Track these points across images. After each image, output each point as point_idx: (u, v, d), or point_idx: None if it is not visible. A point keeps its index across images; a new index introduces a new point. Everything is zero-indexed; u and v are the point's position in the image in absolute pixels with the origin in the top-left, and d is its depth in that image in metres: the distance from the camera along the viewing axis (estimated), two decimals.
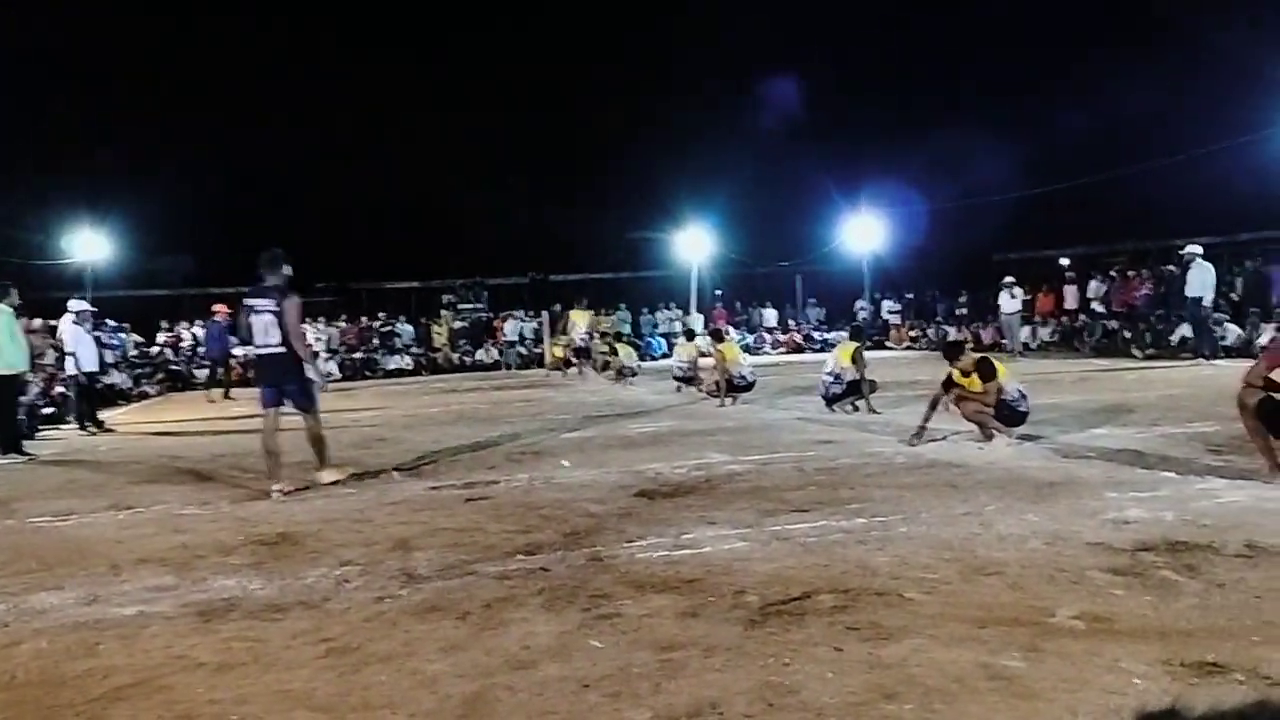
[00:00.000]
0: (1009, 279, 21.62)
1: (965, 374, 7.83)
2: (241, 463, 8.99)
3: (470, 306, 28.26)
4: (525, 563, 4.69)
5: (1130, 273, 21.67)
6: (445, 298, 28.37)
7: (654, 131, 32.09)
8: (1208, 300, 16.26)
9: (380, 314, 27.71)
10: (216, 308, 18.87)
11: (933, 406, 8.07)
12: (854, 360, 10.69)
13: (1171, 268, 20.16)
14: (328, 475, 7.35)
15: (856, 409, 10.66)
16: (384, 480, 7.55)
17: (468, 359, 26.66)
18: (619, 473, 7.29)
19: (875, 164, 28.11)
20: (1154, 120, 22.56)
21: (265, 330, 7.10)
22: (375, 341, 26.77)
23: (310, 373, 7.32)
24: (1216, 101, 21.18)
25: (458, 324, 27.81)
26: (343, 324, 27.15)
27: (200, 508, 6.73)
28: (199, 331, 23.60)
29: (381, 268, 29.33)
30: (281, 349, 7.08)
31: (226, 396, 18.08)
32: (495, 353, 26.77)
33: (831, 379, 10.83)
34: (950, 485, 6.18)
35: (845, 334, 16.27)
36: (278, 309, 7.04)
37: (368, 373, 25.26)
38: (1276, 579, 3.85)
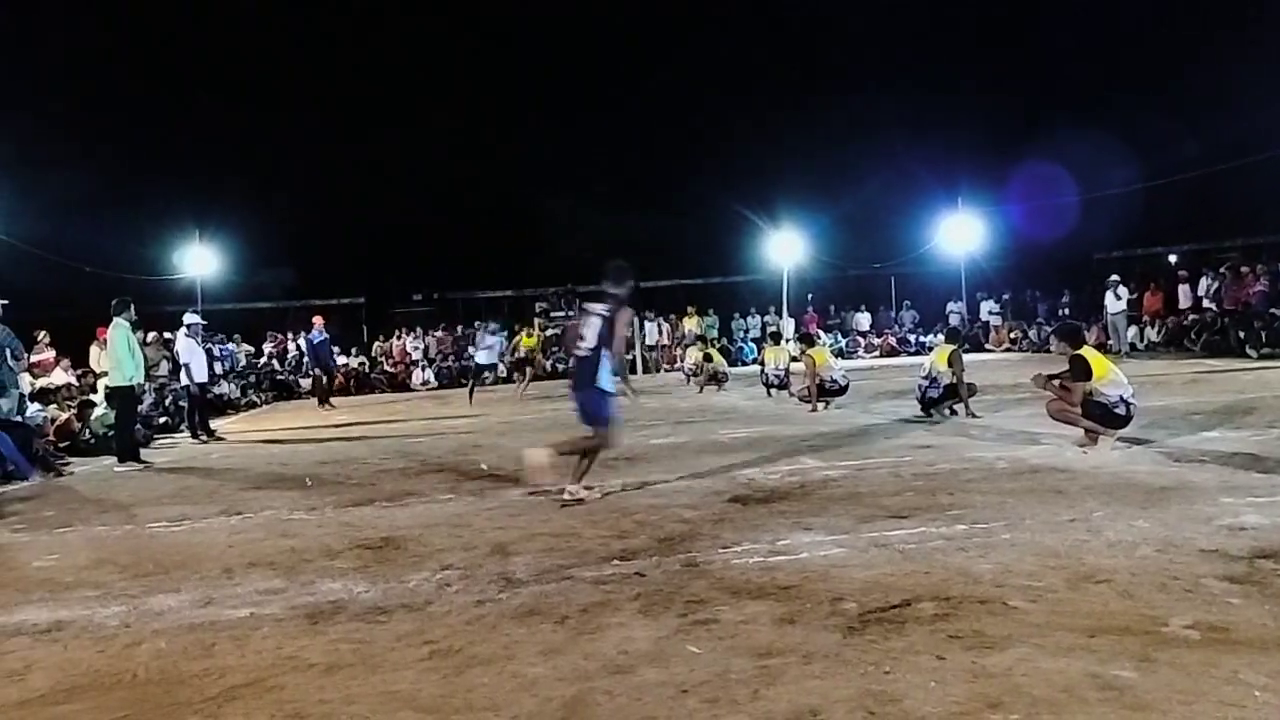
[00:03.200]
0: (1114, 278, 20.94)
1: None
2: (346, 470, 9.25)
3: (562, 314, 28.55)
4: (621, 568, 4.72)
5: (1243, 269, 20.74)
6: (538, 305, 28.74)
7: (744, 132, 32.02)
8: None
9: (476, 322, 28.21)
10: (315, 319, 19.46)
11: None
12: (950, 363, 10.48)
13: None
14: (574, 489, 6.84)
15: (954, 413, 10.45)
16: (481, 486, 7.68)
17: (560, 366, 26.91)
18: (712, 478, 7.28)
19: (972, 163, 27.57)
20: (1263, 112, 21.57)
21: (593, 335, 6.98)
22: (471, 350, 27.23)
23: (611, 383, 6.99)
24: None
25: (551, 332, 28.13)
26: (439, 333, 27.71)
27: (307, 513, 6.94)
28: (303, 343, 24.39)
29: (475, 276, 29.90)
30: (592, 352, 6.94)
31: (323, 404, 18.63)
32: None
33: (928, 382, 10.64)
34: (1055, 491, 6.01)
35: (941, 337, 15.96)
36: (610, 317, 6.98)
37: (464, 380, 25.70)
38: None
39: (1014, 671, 3.07)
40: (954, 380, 10.45)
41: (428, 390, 24.81)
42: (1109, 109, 26.79)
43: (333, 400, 19.08)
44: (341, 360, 19.25)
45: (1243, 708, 2.73)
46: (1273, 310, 18.98)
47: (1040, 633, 3.40)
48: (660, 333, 27.47)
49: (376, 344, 27.58)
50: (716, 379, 17.54)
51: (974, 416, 10.13)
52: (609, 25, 35.11)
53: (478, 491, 7.42)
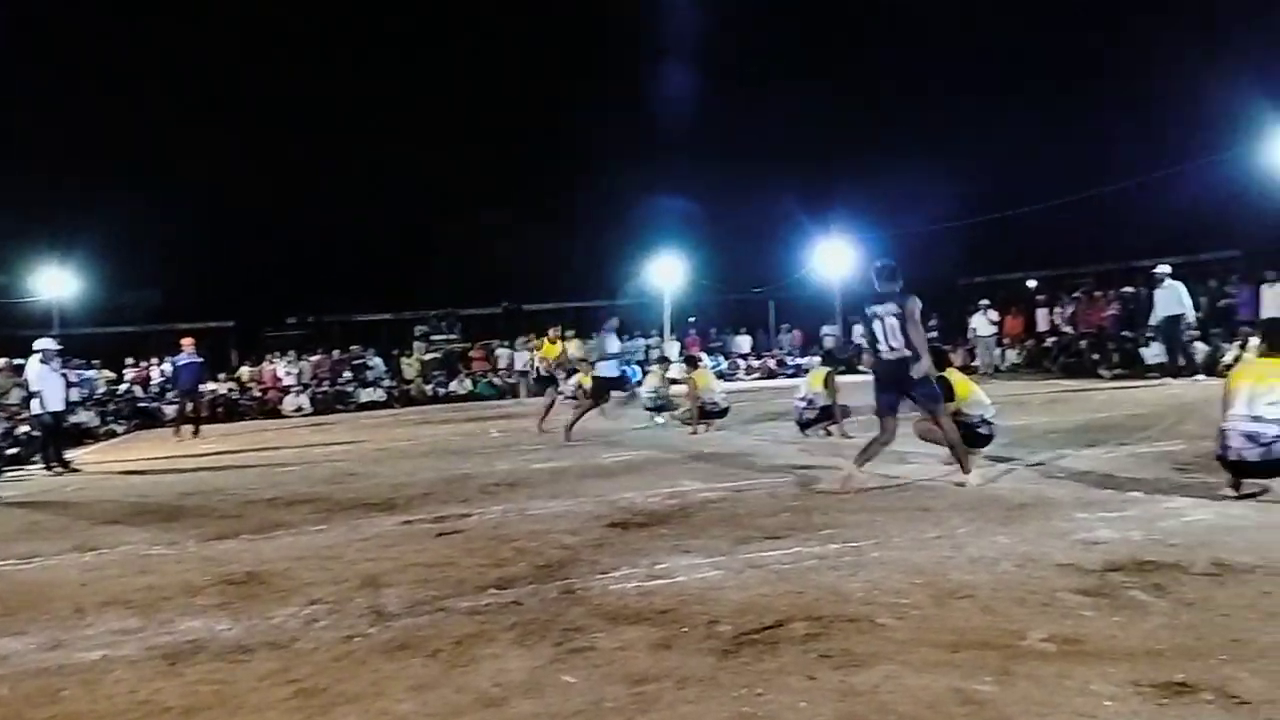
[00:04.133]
0: (984, 301, 21.87)
1: None
2: (210, 501, 8.88)
3: (443, 338, 28.21)
4: (497, 597, 4.65)
5: (1096, 294, 21.92)
6: (418, 329, 28.30)
7: (626, 158, 32.28)
8: (1190, 318, 16.43)
9: (352, 347, 27.58)
10: (184, 341, 18.64)
11: None
12: (826, 385, 10.75)
13: (1133, 289, 20.48)
14: (974, 479, 6.96)
15: (830, 434, 10.70)
16: (354, 516, 7.48)
17: (441, 390, 26.55)
18: (593, 503, 7.26)
19: (846, 190, 28.43)
20: (1112, 145, 22.97)
21: (890, 334, 6.99)
22: (347, 374, 26.63)
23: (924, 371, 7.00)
24: (1171, 127, 21.59)
25: (430, 355, 27.73)
26: (315, 357, 27.00)
27: (167, 548, 6.63)
28: (168, 368, 23.38)
29: (352, 300, 29.24)
30: (907, 352, 6.95)
31: (195, 434, 17.89)
32: (470, 383, 26.68)
33: (804, 404, 10.89)
34: (923, 509, 6.20)
35: (817, 359, 16.33)
36: (900, 311, 6.97)
37: (339, 406, 25.09)
38: (1243, 597, 3.89)
39: (881, 689, 3.14)
40: (829, 401, 10.71)
41: (301, 416, 24.08)
42: (971, 141, 28.02)
43: (199, 428, 18.31)
44: (209, 386, 18.47)
45: (1094, 718, 2.85)
46: (1123, 333, 20.09)
47: (906, 649, 3.49)
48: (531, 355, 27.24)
49: (245, 369, 26.64)
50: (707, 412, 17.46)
51: (847, 437, 10.39)
52: (496, 48, 35.06)
53: (350, 522, 7.21)
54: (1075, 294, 22.70)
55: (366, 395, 25.84)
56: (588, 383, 18.07)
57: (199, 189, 30.62)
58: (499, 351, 27.31)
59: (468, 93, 34.76)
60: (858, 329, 28.96)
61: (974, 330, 22.21)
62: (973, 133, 28.14)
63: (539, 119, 34.10)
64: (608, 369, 13.24)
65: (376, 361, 27.21)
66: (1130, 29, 23.44)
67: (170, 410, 21.54)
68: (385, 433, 16.38)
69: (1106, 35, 24.18)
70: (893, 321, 7.03)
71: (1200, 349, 17.28)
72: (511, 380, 25.99)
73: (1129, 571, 4.35)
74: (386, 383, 26.76)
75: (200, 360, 18.47)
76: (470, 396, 26.01)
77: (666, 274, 27.63)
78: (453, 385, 26.75)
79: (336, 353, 27.21)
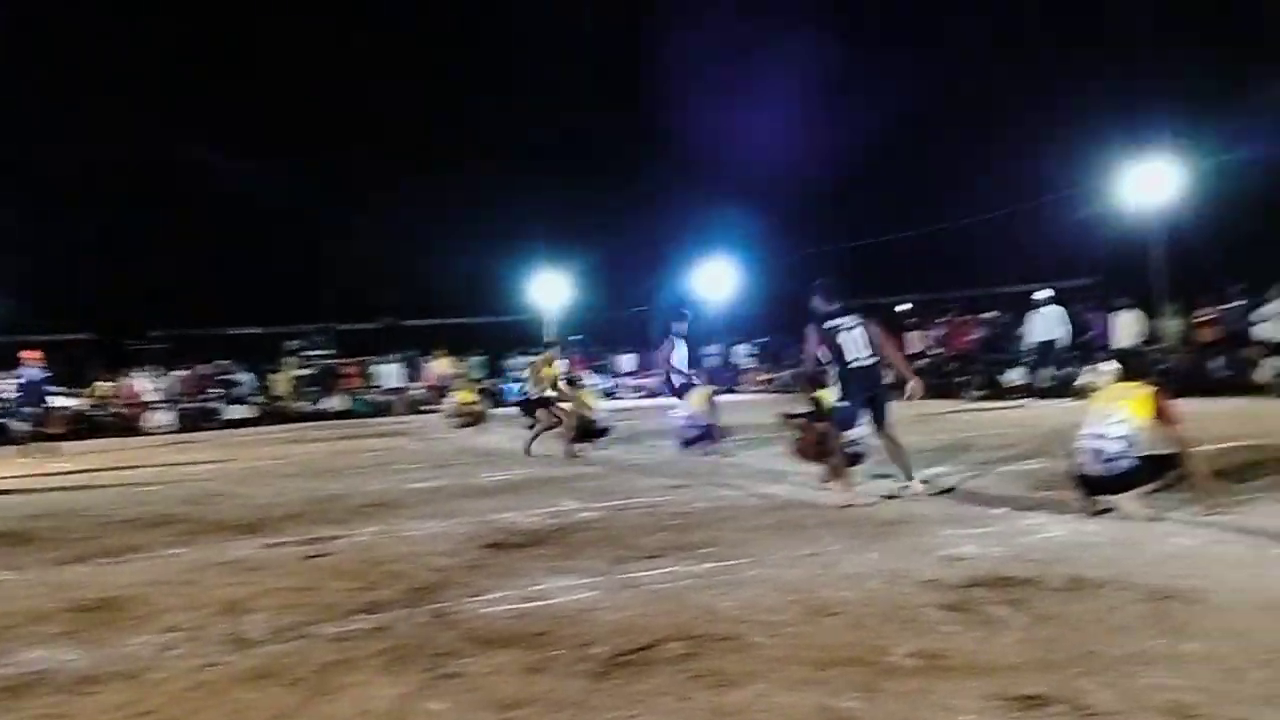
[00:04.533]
0: None
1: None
2: (63, 523, 8.39)
3: (317, 353, 27.45)
4: (365, 622, 4.51)
5: (963, 318, 22.80)
6: (291, 343, 27.44)
7: (511, 173, 32.13)
8: (1065, 342, 17.45)
9: (220, 361, 26.54)
10: (25, 354, 17.51)
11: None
12: (707, 403, 10.86)
13: (997, 313, 21.43)
14: (918, 486, 7.38)
15: (710, 453, 10.80)
16: (217, 539, 7.17)
17: (314, 407, 25.82)
18: (469, 523, 7.14)
19: (726, 212, 28.87)
20: (982, 177, 24.05)
21: (859, 344, 7.39)
22: (214, 390, 25.62)
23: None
24: (1041, 160, 22.72)
25: (302, 371, 26.93)
26: (181, 372, 25.89)
27: (13, 573, 6.22)
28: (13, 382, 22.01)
29: (222, 312, 28.17)
30: (876, 358, 7.44)
31: (48, 452, 16.90)
32: (344, 400, 26.03)
33: (686, 421, 10.97)
34: (798, 526, 6.30)
35: (700, 378, 16.43)
36: (863, 322, 7.47)
37: (205, 423, 24.12)
38: (1095, 611, 4.06)
39: (752, 708, 3.16)
40: (711, 421, 10.83)
41: (165, 434, 23.04)
42: (850, 169, 28.90)
43: (52, 446, 17.31)
44: (62, 401, 17.45)
45: None
46: (987, 356, 20.95)
47: (777, 667, 3.52)
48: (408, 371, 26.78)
49: (101, 383, 25.27)
50: (476, 419, 17.32)
51: (726, 456, 10.50)
52: (371, 58, 34.42)
53: (212, 545, 6.90)
54: (944, 318, 23.56)
55: (235, 412, 24.96)
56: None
57: (57, 194, 29.09)
58: (375, 368, 26.70)
59: (348, 98, 33.97)
60: (741, 349, 29.54)
61: None
62: (858, 163, 29.08)
63: (417, 131, 33.63)
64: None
65: (246, 376, 26.27)
66: (1004, 70, 24.59)
67: (19, 427, 20.29)
68: (253, 451, 15.81)
69: (984, 73, 25.26)
70: (859, 333, 7.46)
71: (1070, 372, 18.16)
72: (388, 398, 25.44)
73: (990, 587, 4.50)
74: (256, 399, 25.86)
75: (47, 374, 17.47)
76: (345, 414, 25.38)
77: (551, 291, 27.55)
78: (326, 402, 26.05)
79: (203, 367, 26.16)
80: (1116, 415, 6.03)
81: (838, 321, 7.50)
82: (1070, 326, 17.47)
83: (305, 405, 25.89)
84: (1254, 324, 16.53)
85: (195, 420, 24.07)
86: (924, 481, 7.50)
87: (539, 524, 6.93)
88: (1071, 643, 3.65)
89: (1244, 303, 16.97)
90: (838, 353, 7.47)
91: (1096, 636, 3.71)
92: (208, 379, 25.81)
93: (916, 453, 9.98)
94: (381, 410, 25.13)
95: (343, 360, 27.87)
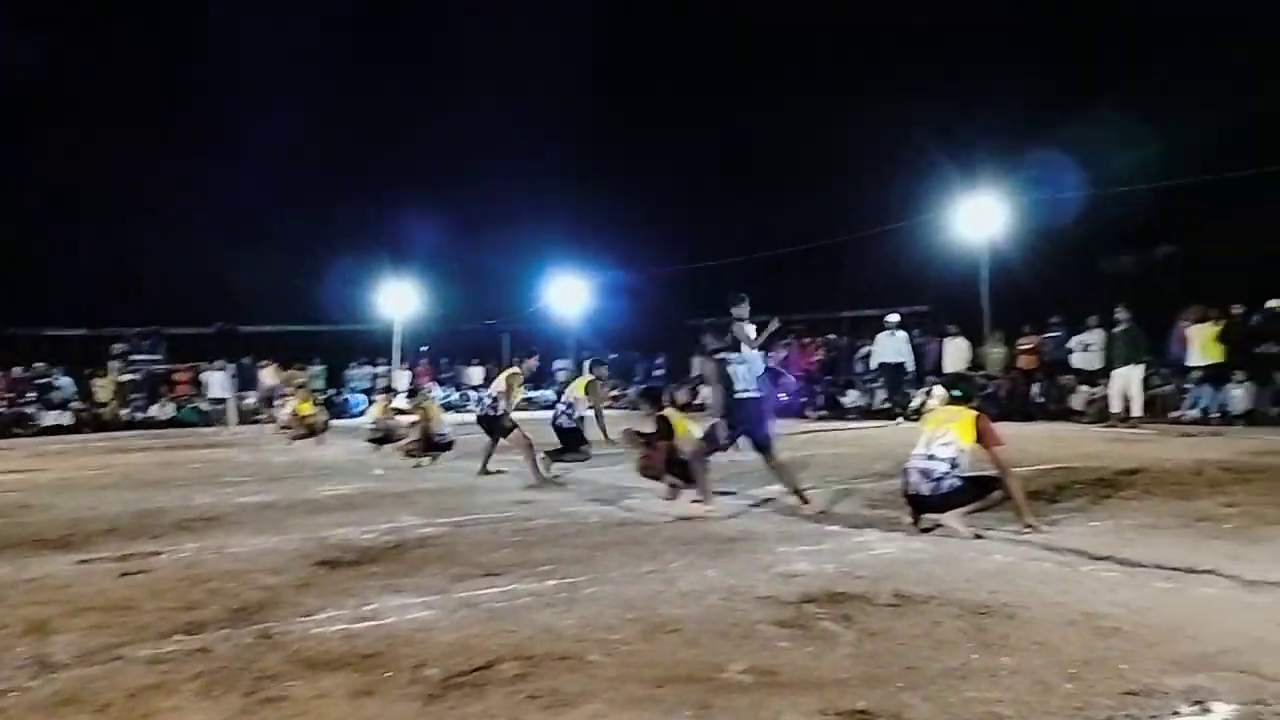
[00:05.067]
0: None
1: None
2: None
3: (145, 358, 25.97)
4: (184, 643, 4.26)
5: (806, 340, 23.51)
6: (115, 347, 25.85)
7: (354, 178, 31.30)
8: (910, 365, 18.37)
9: (36, 364, 24.75)
10: None
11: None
12: (588, 391, 10.59)
13: (837, 336, 22.26)
14: (809, 506, 7.46)
15: (559, 473, 10.63)
16: (23, 555, 6.66)
17: (139, 415, 24.41)
18: (301, 540, 6.86)
19: (581, 228, 28.99)
20: (826, 204, 24.95)
21: (748, 378, 7.62)
22: (30, 394, 23.87)
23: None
24: (883, 190, 23.71)
25: (128, 377, 25.41)
26: None
27: None
28: None
29: (40, 312, 26.26)
30: (762, 392, 7.75)
31: None
32: (172, 408, 24.73)
33: (565, 408, 10.65)
34: (639, 543, 6.33)
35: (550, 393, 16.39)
36: (756, 359, 7.74)
37: (18, 429, 22.45)
38: (918, 626, 4.22)
39: None
40: (592, 406, 10.58)
41: None
42: (698, 190, 29.49)
43: None
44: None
45: None
46: (828, 377, 21.68)
47: (614, 686, 3.51)
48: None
49: None
50: (314, 431, 16.72)
51: (554, 478, 10.08)
52: (212, 56, 32.93)
53: (17, 561, 6.40)
54: (787, 339, 24.24)
55: (51, 418, 23.29)
56: (306, 410, 17.27)
57: None
58: (207, 375, 25.41)
59: (177, 100, 32.31)
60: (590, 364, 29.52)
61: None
62: (707, 184, 29.67)
63: (264, 132, 32.36)
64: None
65: (65, 381, 24.57)
66: (859, 103, 25.53)
67: None
68: (70, 460, 14.80)
69: (837, 107, 26.10)
70: (752, 368, 7.71)
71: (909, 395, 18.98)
72: (220, 407, 24.27)
73: (822, 603, 4.62)
74: (76, 405, 24.23)
75: None
76: (173, 423, 24.09)
77: (398, 301, 26.90)
78: (153, 410, 24.67)
79: (18, 370, 24.34)
80: (943, 438, 6.33)
81: (732, 356, 7.70)
82: (911, 351, 18.48)
83: (130, 413, 24.42)
84: (1070, 353, 17.67)
85: (7, 427, 22.37)
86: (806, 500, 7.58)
87: (375, 541, 6.73)
88: (896, 657, 3.78)
89: (1061, 333, 18.13)
90: (727, 383, 7.64)
91: (920, 651, 3.86)
92: (22, 383, 24.02)
93: (758, 470, 10.23)
94: (213, 420, 23.95)
95: (173, 366, 26.45)
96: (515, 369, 11.42)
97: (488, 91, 31.85)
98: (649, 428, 8.49)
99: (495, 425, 10.76)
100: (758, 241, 24.95)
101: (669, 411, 8.32)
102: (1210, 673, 3.46)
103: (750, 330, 7.76)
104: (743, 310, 7.86)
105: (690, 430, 8.28)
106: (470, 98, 31.82)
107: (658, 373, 28.20)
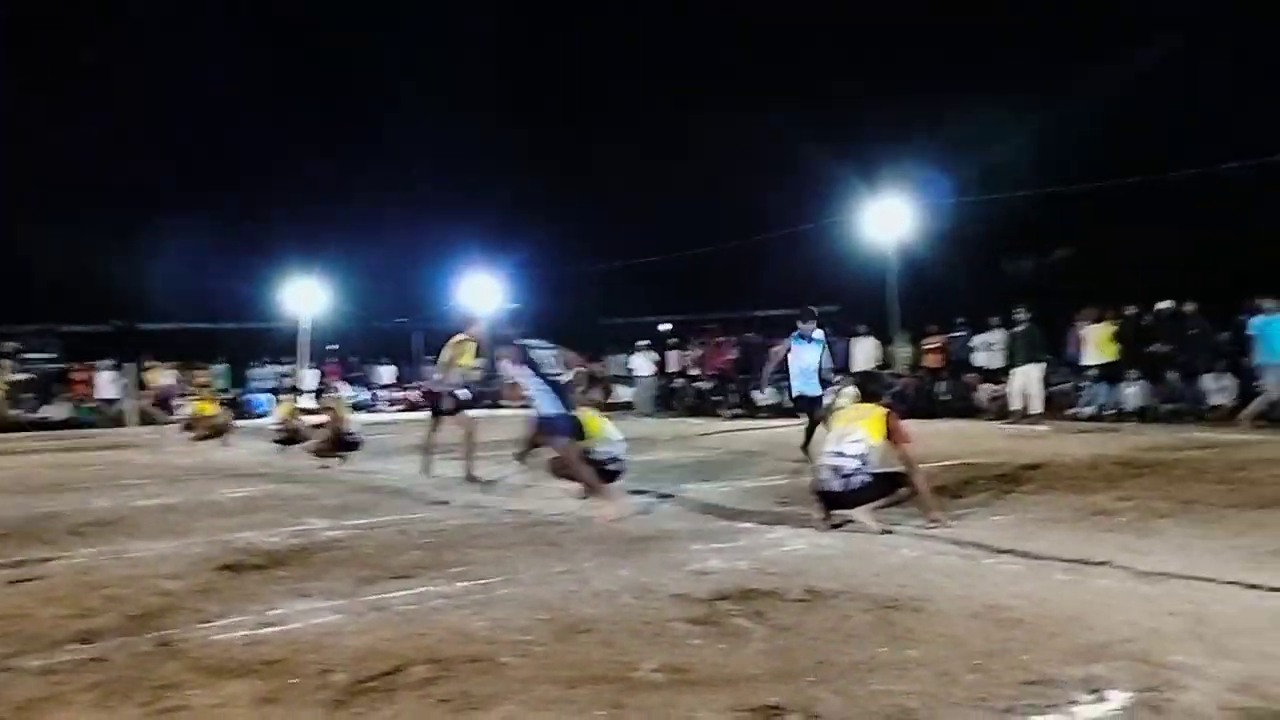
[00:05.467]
0: (643, 342, 22.98)
1: None
2: None
3: (38, 356, 24.94)
4: (77, 653, 4.09)
5: (719, 339, 23.72)
6: (6, 345, 24.77)
7: (260, 173, 30.52)
8: (827, 364, 18.54)
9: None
10: None
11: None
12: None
13: (752, 335, 22.49)
14: (610, 511, 7.33)
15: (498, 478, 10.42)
16: None
17: (32, 416, 23.42)
18: (204, 544, 6.66)
19: (491, 227, 28.76)
20: (742, 202, 25.24)
21: (553, 363, 7.80)
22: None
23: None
24: (800, 191, 24.09)
25: (20, 376, 24.36)
26: None
27: None
28: None
29: None
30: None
31: None
32: (69, 408, 23.79)
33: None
34: (552, 543, 6.30)
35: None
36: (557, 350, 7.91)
37: None
38: (828, 620, 4.28)
39: None
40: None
41: None
42: (615, 194, 29.49)
43: None
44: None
45: None
46: (741, 376, 21.90)
47: (526, 688, 3.48)
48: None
49: None
50: (218, 432, 16.24)
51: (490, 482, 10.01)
52: (112, 48, 31.70)
53: None
54: (701, 338, 24.43)
55: None
56: (208, 410, 16.75)
57: None
58: (101, 375, 24.48)
59: (72, 91, 31.07)
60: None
61: (633, 370, 23.35)
62: (618, 184, 29.68)
63: (166, 126, 31.36)
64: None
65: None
66: (771, 106, 25.82)
67: None
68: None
69: (759, 109, 26.36)
70: (554, 354, 7.88)
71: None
72: (114, 408, 23.41)
73: (734, 600, 4.65)
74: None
75: None
76: (69, 424, 23.18)
77: (305, 298, 26.30)
78: (47, 410, 23.70)
79: None
80: (853, 435, 6.45)
81: (537, 346, 7.89)
82: (827, 352, 18.69)
83: (22, 413, 23.41)
84: (974, 352, 18.19)
85: None
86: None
87: (280, 544, 6.56)
88: (807, 652, 3.83)
89: (965, 333, 18.65)
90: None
91: (829, 646, 3.91)
92: None
93: (673, 468, 10.29)
94: (113, 421, 23.09)
95: (68, 365, 25.44)
96: (463, 335, 10.32)
97: (396, 90, 31.36)
98: None
99: (436, 401, 10.03)
100: (673, 242, 25.11)
101: (583, 410, 8.28)
102: (1107, 661, 3.58)
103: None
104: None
105: (604, 429, 8.26)
106: (379, 95, 31.32)
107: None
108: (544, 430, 7.89)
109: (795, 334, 10.76)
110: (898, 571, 5.19)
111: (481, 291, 27.53)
